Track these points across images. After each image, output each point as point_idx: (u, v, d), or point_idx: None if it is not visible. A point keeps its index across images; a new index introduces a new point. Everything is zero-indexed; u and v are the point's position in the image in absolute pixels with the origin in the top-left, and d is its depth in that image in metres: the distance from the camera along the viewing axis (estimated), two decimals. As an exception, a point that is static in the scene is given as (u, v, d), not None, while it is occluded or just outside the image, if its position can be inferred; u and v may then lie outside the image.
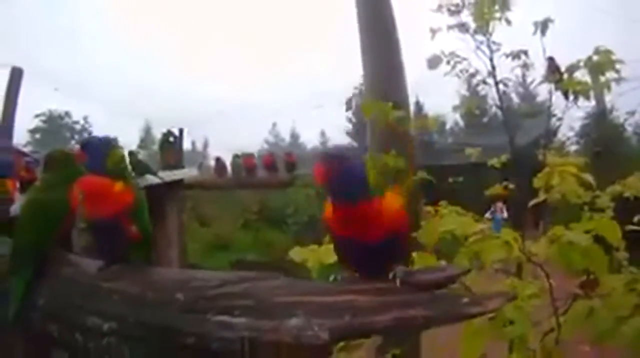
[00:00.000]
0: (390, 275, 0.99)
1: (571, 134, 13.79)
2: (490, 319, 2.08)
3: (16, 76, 4.78)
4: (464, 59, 2.91)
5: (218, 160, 8.54)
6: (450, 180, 3.45)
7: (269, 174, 8.52)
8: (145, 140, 23.70)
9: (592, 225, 1.62)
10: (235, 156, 8.30)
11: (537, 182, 2.14)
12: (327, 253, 1.64)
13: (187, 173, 6.30)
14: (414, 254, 1.63)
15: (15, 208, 2.32)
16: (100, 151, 1.39)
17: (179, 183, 5.97)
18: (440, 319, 0.85)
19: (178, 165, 6.24)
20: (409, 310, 0.84)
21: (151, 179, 5.03)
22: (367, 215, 0.99)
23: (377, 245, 1.00)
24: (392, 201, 1.05)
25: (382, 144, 2.91)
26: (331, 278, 1.14)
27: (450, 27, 3.03)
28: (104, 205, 1.36)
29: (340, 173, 0.99)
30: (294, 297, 0.96)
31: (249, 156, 8.55)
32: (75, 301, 1.41)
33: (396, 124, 2.40)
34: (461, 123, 24.22)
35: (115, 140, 1.46)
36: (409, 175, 2.66)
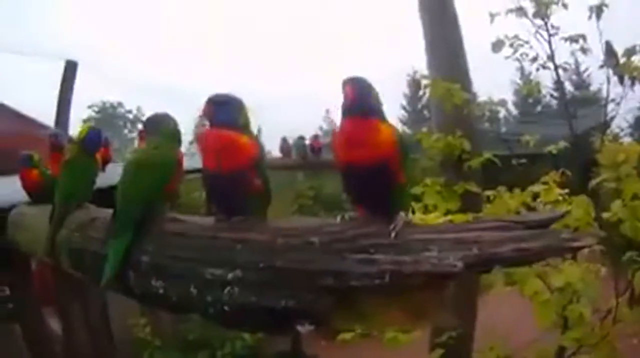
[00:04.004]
0: (391, 227, 1.21)
1: (625, 124, 13.62)
2: (556, 291, 2.35)
3: (70, 69, 5.25)
4: (526, 42, 3.12)
5: (284, 140, 8.77)
6: (514, 162, 3.68)
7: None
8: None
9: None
10: (299, 138, 8.58)
11: (603, 157, 2.34)
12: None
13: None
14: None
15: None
16: (231, 105, 1.48)
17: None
18: (549, 251, 1.11)
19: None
20: (524, 243, 1.10)
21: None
22: (372, 130, 1.27)
23: (372, 168, 1.25)
24: (388, 128, 1.30)
25: (447, 126, 3.14)
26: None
27: (509, 11, 3.25)
28: (234, 157, 1.42)
29: (361, 90, 1.30)
30: (424, 234, 1.19)
31: (315, 137, 8.83)
32: (188, 254, 1.44)
33: (462, 106, 2.64)
34: (514, 112, 23.97)
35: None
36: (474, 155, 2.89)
